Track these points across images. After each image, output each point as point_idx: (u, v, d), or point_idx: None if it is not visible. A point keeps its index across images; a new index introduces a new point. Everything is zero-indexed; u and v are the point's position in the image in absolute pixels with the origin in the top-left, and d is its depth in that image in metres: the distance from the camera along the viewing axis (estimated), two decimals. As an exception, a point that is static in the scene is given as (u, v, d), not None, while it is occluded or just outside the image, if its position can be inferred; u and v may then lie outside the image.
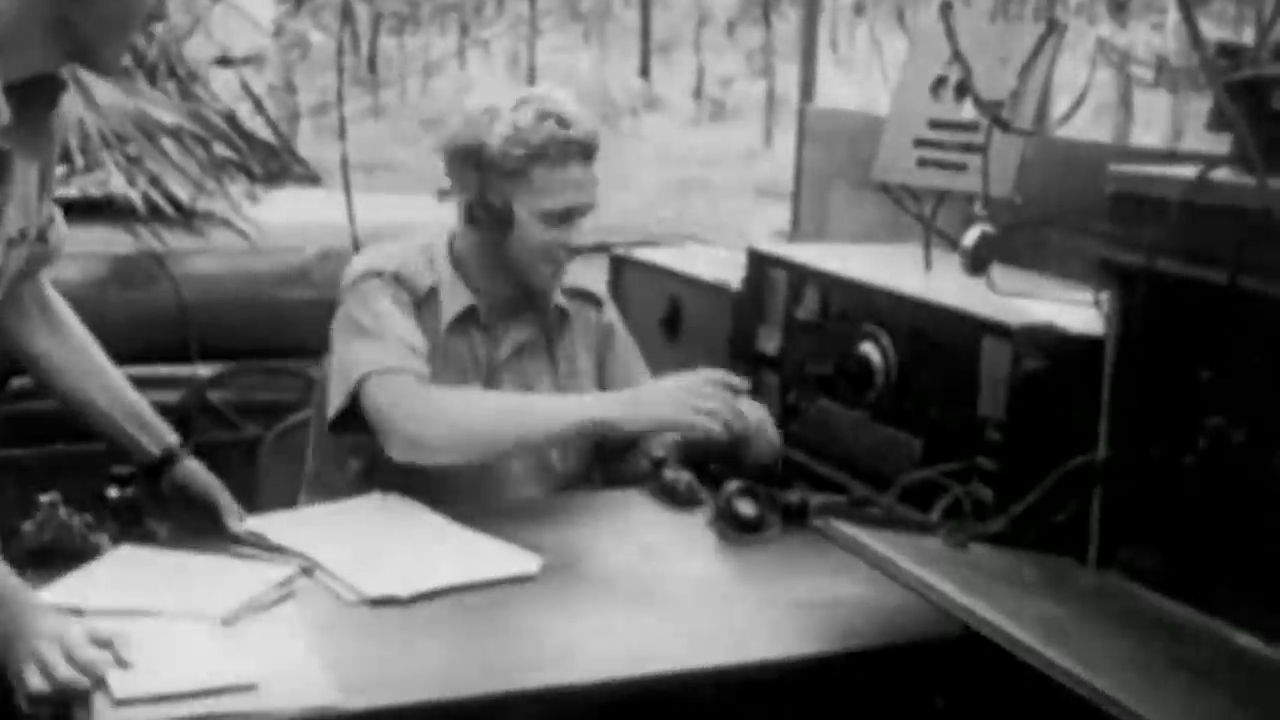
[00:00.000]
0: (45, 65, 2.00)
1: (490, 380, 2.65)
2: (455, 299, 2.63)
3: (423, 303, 2.60)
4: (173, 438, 2.37)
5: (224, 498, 2.36)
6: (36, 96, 2.00)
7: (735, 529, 2.44)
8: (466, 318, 2.64)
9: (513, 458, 2.62)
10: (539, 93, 2.59)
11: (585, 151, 2.56)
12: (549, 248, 2.57)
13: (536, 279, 2.63)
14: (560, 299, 2.72)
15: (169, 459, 2.35)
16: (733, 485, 2.48)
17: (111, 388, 2.35)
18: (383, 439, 2.46)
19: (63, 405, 2.35)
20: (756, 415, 2.56)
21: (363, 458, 2.58)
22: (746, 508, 2.44)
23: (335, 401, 2.52)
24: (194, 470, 2.36)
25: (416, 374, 2.50)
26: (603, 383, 2.78)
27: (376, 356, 2.50)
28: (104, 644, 1.83)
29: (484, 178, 2.54)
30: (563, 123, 2.53)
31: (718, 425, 2.41)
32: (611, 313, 2.84)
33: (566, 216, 2.56)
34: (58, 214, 2.26)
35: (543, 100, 2.55)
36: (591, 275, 2.86)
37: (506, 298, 2.67)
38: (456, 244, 2.66)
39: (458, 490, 2.52)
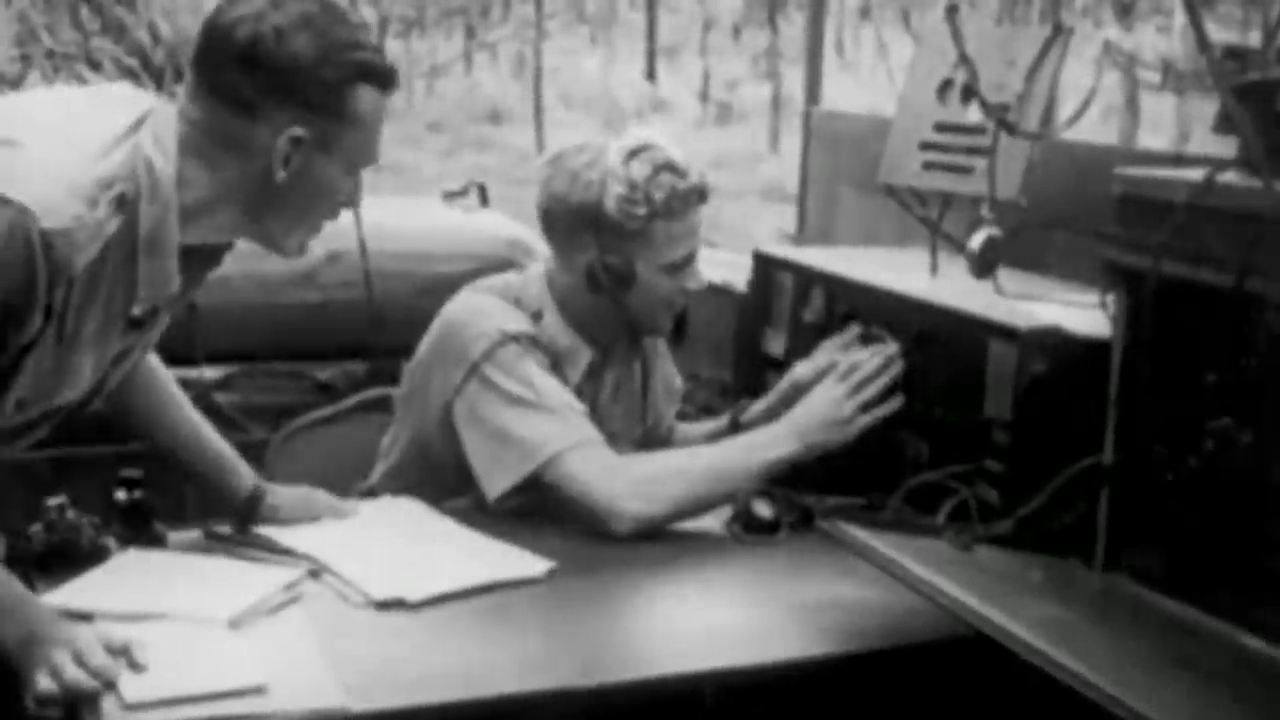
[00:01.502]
0: (224, 237, 2.08)
1: (596, 415, 2.58)
2: (580, 354, 2.58)
3: (556, 363, 2.54)
4: (252, 478, 2.37)
5: (320, 505, 2.38)
6: (201, 253, 2.07)
7: (752, 530, 2.43)
8: (588, 371, 2.60)
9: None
10: (644, 141, 2.51)
11: (702, 196, 2.52)
12: (670, 295, 2.55)
13: (657, 326, 2.62)
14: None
15: (256, 497, 2.35)
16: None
17: (197, 433, 2.36)
18: (598, 516, 2.39)
19: (146, 447, 2.36)
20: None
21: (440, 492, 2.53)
22: (764, 509, 2.44)
23: (505, 479, 2.42)
24: (280, 495, 2.38)
25: (603, 443, 2.45)
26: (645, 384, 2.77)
27: (559, 433, 2.42)
28: (118, 651, 1.83)
29: (602, 239, 2.48)
30: (678, 173, 2.47)
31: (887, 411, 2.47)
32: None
33: (685, 263, 2.54)
34: (165, 318, 2.26)
35: (652, 148, 2.48)
36: None
37: (607, 343, 2.64)
38: (564, 299, 2.57)
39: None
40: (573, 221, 2.50)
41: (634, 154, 2.47)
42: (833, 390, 2.47)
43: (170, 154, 1.94)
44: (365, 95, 2.00)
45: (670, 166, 2.47)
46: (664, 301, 2.56)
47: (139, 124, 1.95)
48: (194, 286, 2.13)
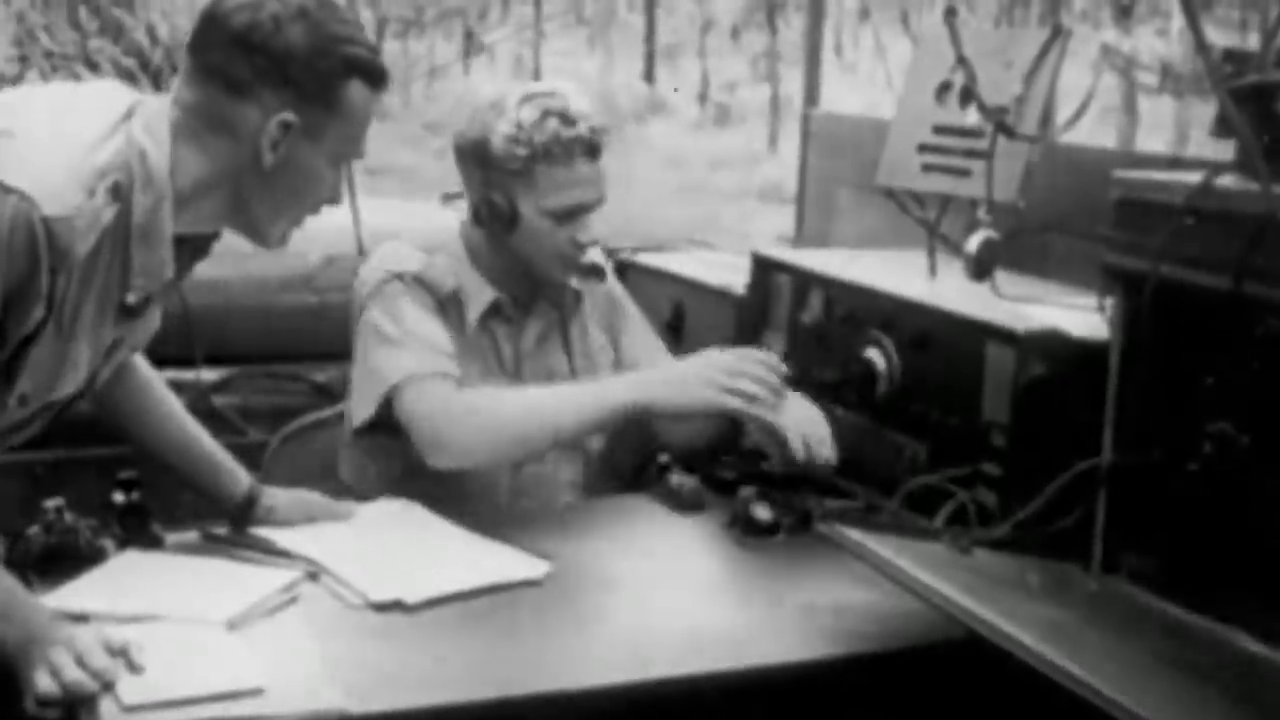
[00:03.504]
0: (211, 227, 2.11)
1: (516, 373, 2.66)
2: (480, 295, 2.62)
3: (447, 303, 2.59)
4: (247, 480, 2.38)
5: (317, 507, 2.40)
6: (190, 242, 2.09)
7: (751, 533, 2.43)
8: (492, 313, 2.64)
9: (551, 452, 2.59)
10: (543, 88, 2.57)
11: (590, 149, 2.54)
12: (559, 245, 2.57)
13: (549, 275, 2.63)
14: (572, 281, 2.72)
15: (251, 499, 2.36)
16: (749, 490, 2.48)
17: (187, 435, 2.38)
18: (420, 447, 2.44)
19: (139, 451, 2.38)
20: (803, 413, 2.49)
21: (394, 462, 2.57)
22: (762, 512, 2.44)
23: (364, 409, 2.52)
24: (277, 497, 2.39)
25: (448, 378, 2.48)
26: (619, 357, 2.79)
27: (407, 363, 2.48)
28: (117, 652, 1.83)
29: (488, 175, 2.54)
30: (567, 120, 2.51)
31: (753, 408, 2.41)
32: (614, 282, 2.84)
33: (573, 214, 2.55)
34: (156, 310, 2.28)
35: (547, 97, 2.53)
36: (594, 249, 2.79)
37: (524, 289, 2.67)
38: (470, 240, 2.65)
39: (494, 490, 2.55)
40: (465, 156, 2.58)
41: (529, 98, 2.52)
42: (706, 356, 2.47)
43: (162, 143, 1.97)
44: (356, 90, 2.04)
45: (561, 114, 2.51)
46: (553, 250, 2.57)
47: (129, 114, 1.98)
48: (183, 276, 2.15)
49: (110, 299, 1.99)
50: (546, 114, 2.50)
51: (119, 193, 1.92)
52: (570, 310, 2.74)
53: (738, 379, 2.41)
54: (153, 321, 2.26)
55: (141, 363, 2.35)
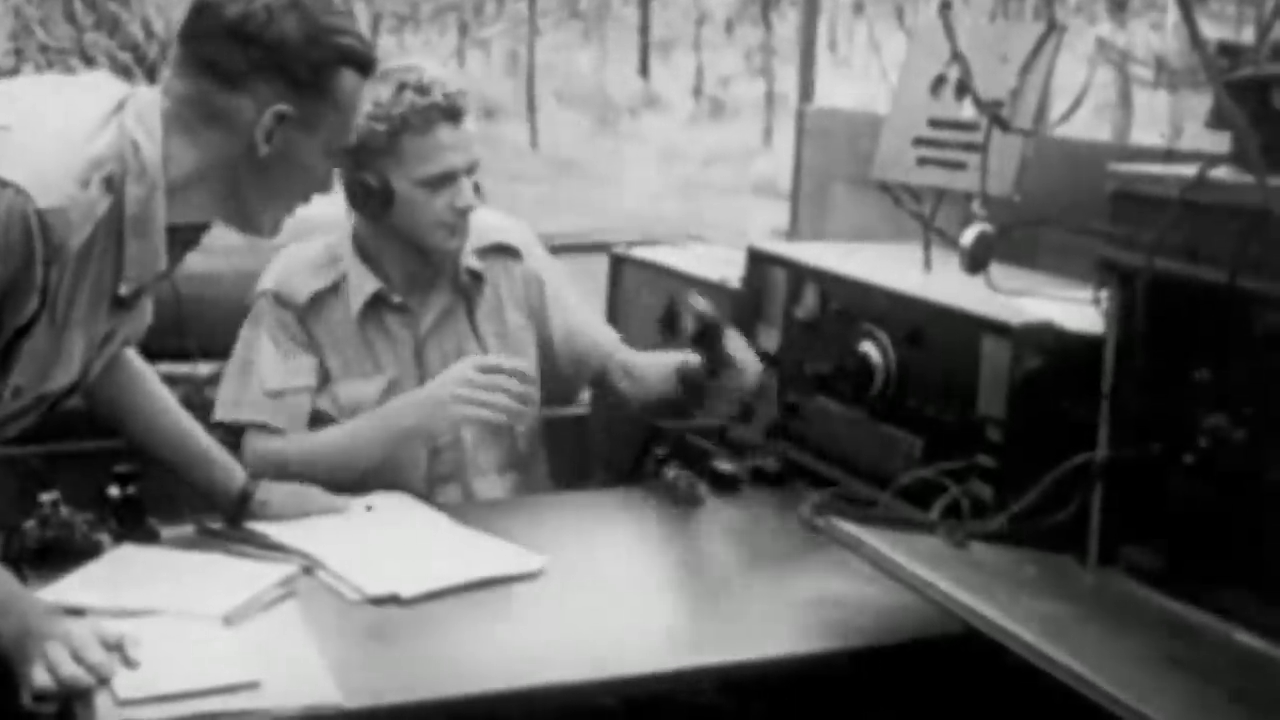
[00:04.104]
0: (203, 217, 2.12)
1: (419, 355, 2.67)
2: (361, 287, 2.65)
3: (308, 311, 2.63)
4: (241, 475, 2.40)
5: (313, 501, 2.41)
6: (181, 233, 2.09)
7: (672, 501, 2.55)
8: (377, 303, 2.66)
9: (469, 435, 2.66)
10: (397, 64, 2.60)
11: (449, 114, 2.57)
12: (436, 213, 2.58)
13: (434, 245, 2.64)
14: (471, 260, 2.73)
15: (246, 494, 2.38)
16: (661, 453, 2.65)
17: (181, 430, 2.40)
18: None
19: (133, 446, 2.39)
20: (735, 345, 2.60)
21: None
22: (727, 465, 2.63)
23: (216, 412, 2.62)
24: (272, 491, 2.40)
25: (264, 430, 2.57)
26: (547, 336, 2.80)
27: (234, 405, 2.61)
28: (113, 646, 1.83)
29: (356, 157, 2.55)
30: (421, 90, 2.54)
31: (501, 416, 2.49)
32: (537, 261, 2.84)
33: (446, 180, 2.57)
34: (148, 302, 2.30)
35: (401, 71, 2.56)
36: (512, 229, 2.84)
37: (417, 271, 2.68)
38: (359, 231, 2.68)
39: (410, 478, 2.59)
40: None
41: (384, 75, 2.54)
42: (449, 373, 2.54)
43: (155, 134, 1.97)
44: (347, 79, 2.05)
45: (416, 86, 2.55)
46: (433, 219, 2.60)
47: (121, 106, 1.99)
48: (174, 266, 2.15)
49: (104, 291, 2.00)
50: (402, 87, 2.54)
51: (112, 184, 1.92)
52: (472, 290, 2.74)
53: (478, 391, 2.47)
54: (145, 314, 2.26)
55: (135, 357, 2.36)
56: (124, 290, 2.02)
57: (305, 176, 2.09)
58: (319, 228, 2.70)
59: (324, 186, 2.13)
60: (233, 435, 2.57)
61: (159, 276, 2.08)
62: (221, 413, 2.60)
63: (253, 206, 2.09)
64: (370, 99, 2.50)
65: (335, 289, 2.65)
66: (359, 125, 2.46)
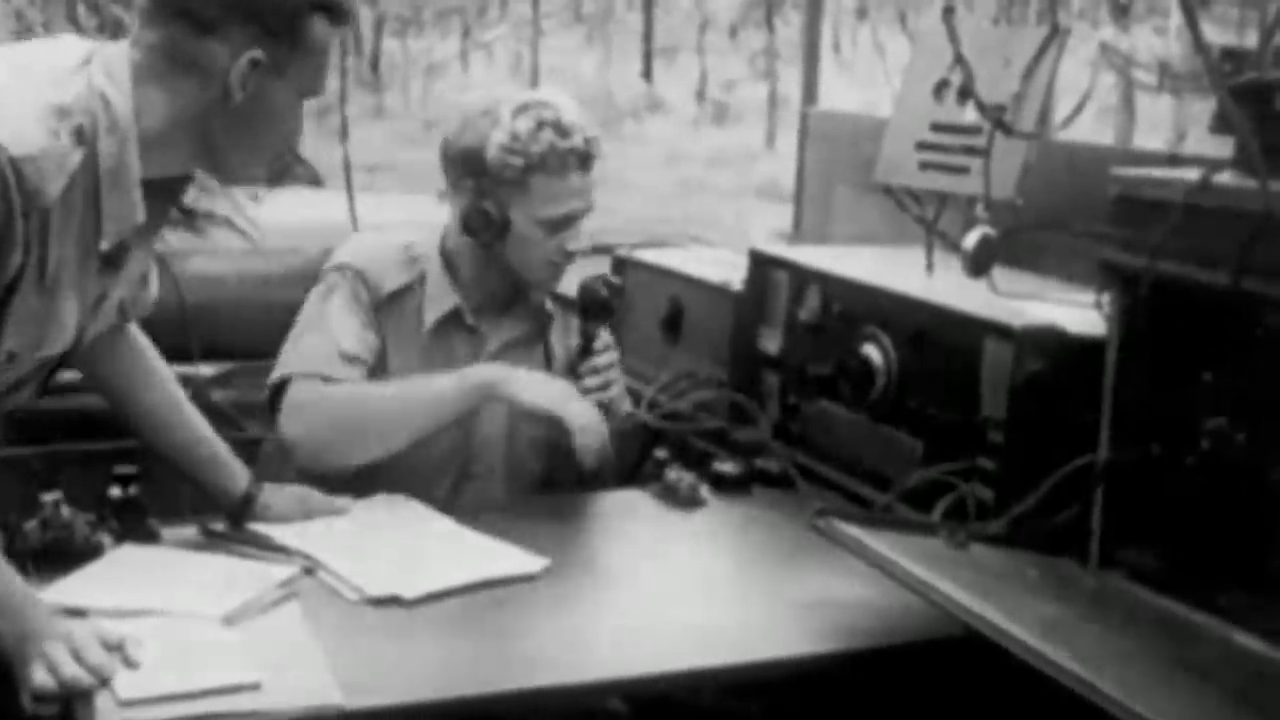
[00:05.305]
0: (180, 168, 2.09)
1: None
2: (440, 301, 2.63)
3: (384, 305, 2.60)
4: (246, 478, 2.39)
5: (314, 503, 2.40)
6: (162, 188, 2.07)
7: (674, 503, 2.58)
8: (451, 319, 2.64)
9: (408, 445, 2.54)
10: (538, 98, 2.58)
11: (583, 161, 2.56)
12: (547, 254, 2.58)
13: (537, 281, 2.64)
14: (547, 303, 2.73)
15: (249, 496, 2.37)
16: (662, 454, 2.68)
17: (193, 434, 2.39)
18: (285, 442, 2.49)
19: (142, 443, 2.39)
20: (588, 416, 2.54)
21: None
22: (729, 467, 2.68)
23: (270, 377, 2.56)
24: (274, 494, 2.39)
25: (324, 378, 2.50)
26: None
27: (292, 359, 2.53)
28: (113, 646, 1.83)
29: (480, 184, 2.54)
30: (561, 132, 2.52)
31: (591, 441, 2.48)
32: None
33: (564, 223, 2.57)
34: (153, 274, 2.30)
35: (542, 107, 2.54)
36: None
37: (495, 296, 2.68)
38: (448, 243, 2.66)
39: (409, 488, 2.53)
40: (457, 164, 2.58)
41: (524, 108, 2.53)
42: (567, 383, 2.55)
43: (124, 86, 1.96)
44: (319, 25, 2.03)
45: (555, 125, 2.53)
46: (541, 257, 2.59)
47: (87, 60, 1.97)
48: (160, 223, 2.16)
49: (89, 250, 1.99)
50: (541, 125, 2.51)
51: (82, 136, 1.91)
52: (545, 326, 2.75)
53: (584, 408, 2.50)
54: (150, 287, 2.27)
55: (151, 351, 2.36)
56: (104, 245, 2.00)
57: (279, 124, 2.06)
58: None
59: (297, 135, 2.11)
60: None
61: (141, 231, 2.05)
62: (284, 369, 2.53)
63: (228, 155, 2.06)
64: (508, 130, 2.50)
65: (411, 291, 2.63)
66: (492, 153, 2.51)
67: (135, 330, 2.35)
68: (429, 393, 2.50)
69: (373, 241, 2.68)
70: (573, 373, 2.62)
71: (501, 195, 2.54)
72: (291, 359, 2.54)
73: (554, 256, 2.59)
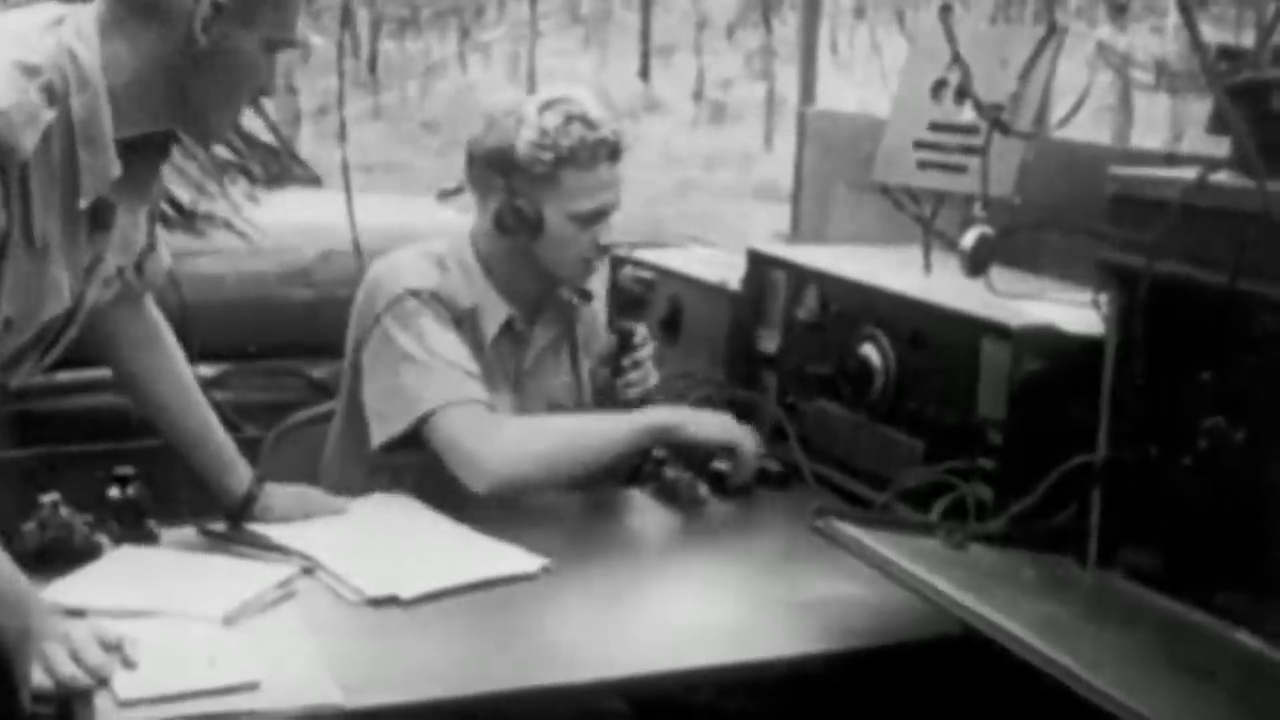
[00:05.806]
0: (155, 125, 2.07)
1: (517, 388, 2.66)
2: (494, 312, 2.62)
3: (463, 320, 2.58)
4: (248, 477, 2.39)
5: (314, 503, 2.41)
6: (145, 148, 2.07)
7: (673, 502, 2.60)
8: (505, 330, 2.64)
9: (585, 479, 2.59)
10: (562, 94, 2.58)
11: (612, 152, 2.57)
12: (582, 248, 2.58)
13: (571, 278, 2.65)
14: (573, 298, 2.74)
15: (250, 496, 2.37)
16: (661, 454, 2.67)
17: (206, 430, 2.39)
18: (460, 474, 2.44)
19: (155, 431, 2.39)
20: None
21: (406, 474, 2.56)
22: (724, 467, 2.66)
23: (390, 428, 2.49)
24: (273, 494, 2.40)
25: (483, 403, 2.49)
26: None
27: (439, 390, 2.47)
28: (112, 647, 1.83)
29: (511, 183, 2.54)
30: (589, 124, 2.52)
31: (752, 460, 2.56)
32: (598, 303, 2.86)
33: (597, 216, 2.57)
34: (162, 247, 2.31)
35: (568, 102, 2.54)
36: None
37: (528, 297, 2.67)
38: (482, 249, 2.64)
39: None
40: (486, 164, 2.57)
41: (550, 104, 2.54)
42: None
43: (91, 41, 1.96)
44: None
45: (583, 118, 2.53)
46: (576, 253, 2.59)
47: (59, 21, 1.97)
48: (146, 184, 2.15)
49: (73, 213, 1.98)
50: (569, 119, 2.52)
51: (53, 94, 1.91)
52: (582, 327, 2.77)
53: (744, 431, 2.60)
54: (155, 254, 2.28)
55: (171, 341, 2.38)
56: (82, 203, 1.98)
57: (247, 73, 2.04)
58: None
59: (267, 86, 2.09)
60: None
61: (119, 186, 2.03)
62: (428, 404, 2.46)
63: (199, 108, 2.04)
64: (536, 126, 2.50)
65: (472, 310, 2.61)
66: (522, 150, 2.51)
67: (154, 313, 2.36)
68: (597, 431, 2.53)
69: (423, 261, 2.61)
70: (611, 366, 2.68)
71: (533, 192, 2.54)
72: (431, 393, 2.47)
73: (587, 252, 2.59)
